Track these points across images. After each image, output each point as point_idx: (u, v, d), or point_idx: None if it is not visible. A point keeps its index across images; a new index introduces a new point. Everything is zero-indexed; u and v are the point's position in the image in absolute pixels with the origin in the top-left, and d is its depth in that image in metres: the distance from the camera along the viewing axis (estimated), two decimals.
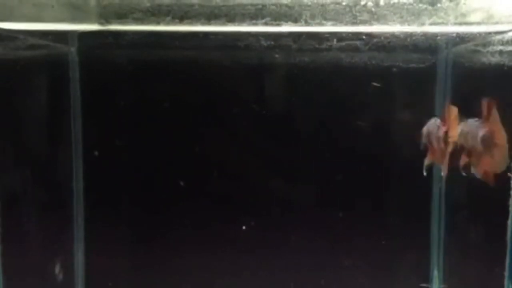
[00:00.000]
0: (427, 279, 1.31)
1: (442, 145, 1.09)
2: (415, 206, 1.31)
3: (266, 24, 0.96)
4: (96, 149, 1.30)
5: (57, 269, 1.26)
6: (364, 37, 1.06)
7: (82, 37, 1.18)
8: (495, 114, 0.98)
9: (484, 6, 0.97)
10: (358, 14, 0.96)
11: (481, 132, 0.99)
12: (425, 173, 1.16)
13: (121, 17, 0.97)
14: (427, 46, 1.14)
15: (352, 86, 1.23)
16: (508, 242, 0.95)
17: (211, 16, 0.96)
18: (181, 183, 1.30)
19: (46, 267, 1.23)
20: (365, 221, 1.31)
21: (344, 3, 0.95)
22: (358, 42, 1.10)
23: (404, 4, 0.96)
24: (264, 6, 0.96)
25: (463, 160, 1.03)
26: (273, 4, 0.95)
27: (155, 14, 0.96)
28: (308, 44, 1.15)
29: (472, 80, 1.13)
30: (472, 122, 1.03)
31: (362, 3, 0.95)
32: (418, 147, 1.24)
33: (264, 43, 1.11)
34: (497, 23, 0.97)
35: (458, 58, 1.19)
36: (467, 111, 1.18)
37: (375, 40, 1.05)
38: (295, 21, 0.96)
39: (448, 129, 1.08)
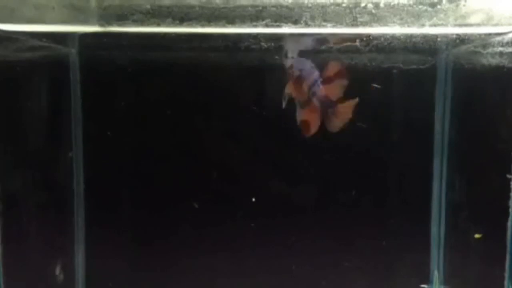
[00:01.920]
0: (428, 280, 1.31)
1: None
2: (415, 206, 1.31)
3: (266, 25, 0.96)
4: (96, 150, 1.30)
5: (57, 270, 1.26)
6: (364, 38, 1.06)
7: (82, 39, 1.17)
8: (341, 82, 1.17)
9: (484, 7, 0.97)
10: (358, 15, 0.96)
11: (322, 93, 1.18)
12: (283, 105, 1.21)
13: (122, 18, 0.97)
14: (427, 47, 1.14)
15: (352, 86, 1.23)
16: (508, 243, 0.96)
17: (211, 17, 0.96)
18: (196, 205, 1.31)
19: (47, 268, 1.23)
20: (365, 221, 1.31)
21: (344, 5, 0.95)
22: (358, 44, 1.10)
23: (404, 5, 0.96)
24: (264, 7, 0.96)
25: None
26: (273, 6, 0.96)
27: (155, 16, 0.97)
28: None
29: (472, 82, 1.13)
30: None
31: (362, 4, 0.95)
32: (419, 145, 1.25)
33: (264, 44, 1.11)
34: (497, 24, 0.97)
35: (458, 60, 1.19)
36: (468, 112, 1.18)
37: (375, 41, 1.05)
38: (295, 22, 0.96)
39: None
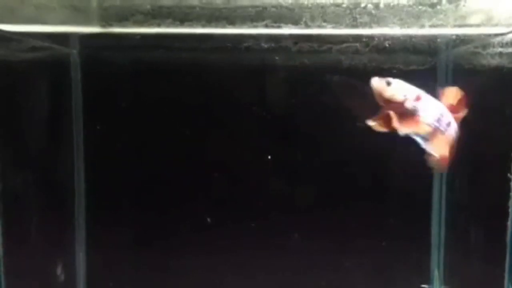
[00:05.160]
0: (428, 279, 1.32)
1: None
2: (416, 206, 1.31)
3: (266, 26, 0.96)
4: (97, 150, 1.30)
5: (58, 269, 1.26)
6: (364, 39, 1.06)
7: (83, 39, 1.18)
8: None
9: (484, 8, 0.97)
10: (358, 16, 0.96)
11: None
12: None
13: (122, 19, 0.98)
14: (427, 48, 1.14)
15: (352, 87, 1.23)
16: (508, 243, 0.96)
17: (212, 18, 0.96)
18: (208, 220, 1.31)
19: (48, 267, 1.24)
20: (366, 221, 1.31)
21: (344, 6, 0.96)
22: (358, 44, 1.11)
23: (404, 6, 0.96)
24: (264, 8, 0.96)
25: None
26: (273, 7, 0.96)
27: (156, 16, 0.97)
28: (308, 46, 1.15)
29: (472, 82, 1.13)
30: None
31: (362, 5, 0.95)
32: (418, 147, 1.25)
33: (264, 45, 1.11)
34: (496, 25, 0.97)
35: (458, 60, 1.19)
36: (468, 111, 1.18)
37: (375, 42, 1.05)
38: (296, 23, 0.96)
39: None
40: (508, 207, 0.96)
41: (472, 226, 1.16)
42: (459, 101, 0.99)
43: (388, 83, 0.92)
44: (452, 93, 0.99)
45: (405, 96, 0.93)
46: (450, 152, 0.99)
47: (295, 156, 1.30)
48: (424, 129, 0.96)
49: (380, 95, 0.92)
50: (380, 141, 1.26)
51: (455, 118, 0.99)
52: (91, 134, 1.29)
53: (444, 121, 0.97)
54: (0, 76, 1.01)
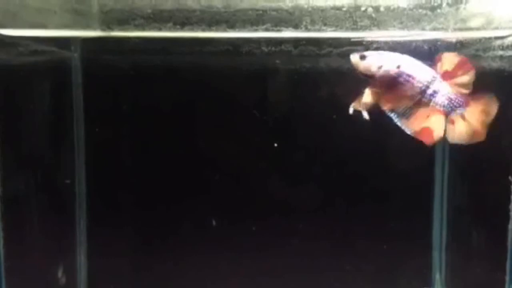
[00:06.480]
0: (429, 282, 1.31)
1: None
2: (417, 209, 1.31)
3: (266, 30, 0.96)
4: (98, 153, 1.30)
5: (59, 272, 1.26)
6: (364, 42, 1.06)
7: (84, 43, 1.18)
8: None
9: (484, 11, 0.97)
10: (358, 19, 0.96)
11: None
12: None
13: (123, 23, 0.98)
14: (427, 51, 1.14)
15: (352, 91, 1.23)
16: (509, 246, 0.96)
17: (212, 22, 0.97)
18: (213, 222, 1.31)
19: (49, 270, 1.24)
20: (367, 224, 1.31)
21: (344, 9, 0.96)
22: (358, 48, 1.10)
23: (404, 9, 0.96)
24: (264, 12, 0.96)
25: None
26: (273, 10, 0.96)
27: (157, 20, 0.97)
28: (309, 50, 1.15)
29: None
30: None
31: (362, 8, 0.95)
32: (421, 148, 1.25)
33: (265, 48, 1.11)
34: (497, 28, 0.97)
35: None
36: None
37: (375, 45, 1.06)
38: (296, 27, 0.96)
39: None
40: (509, 210, 0.96)
41: (473, 229, 1.16)
42: (457, 66, 0.95)
43: (362, 57, 0.93)
44: (449, 59, 0.95)
45: (379, 67, 0.92)
46: (433, 123, 0.96)
47: (295, 158, 1.30)
48: (404, 103, 0.95)
49: (357, 69, 0.94)
50: (381, 142, 1.27)
51: (456, 84, 0.95)
52: (92, 137, 1.29)
53: (429, 91, 0.94)
54: (2, 79, 1.01)
